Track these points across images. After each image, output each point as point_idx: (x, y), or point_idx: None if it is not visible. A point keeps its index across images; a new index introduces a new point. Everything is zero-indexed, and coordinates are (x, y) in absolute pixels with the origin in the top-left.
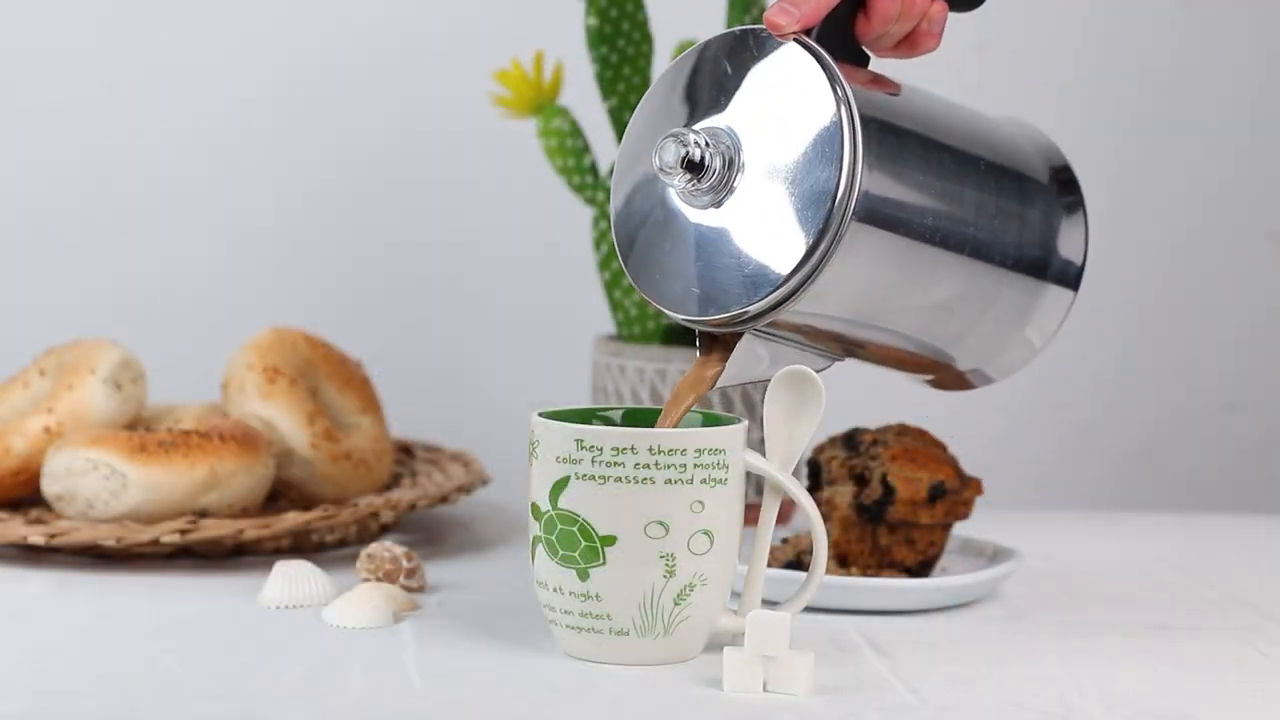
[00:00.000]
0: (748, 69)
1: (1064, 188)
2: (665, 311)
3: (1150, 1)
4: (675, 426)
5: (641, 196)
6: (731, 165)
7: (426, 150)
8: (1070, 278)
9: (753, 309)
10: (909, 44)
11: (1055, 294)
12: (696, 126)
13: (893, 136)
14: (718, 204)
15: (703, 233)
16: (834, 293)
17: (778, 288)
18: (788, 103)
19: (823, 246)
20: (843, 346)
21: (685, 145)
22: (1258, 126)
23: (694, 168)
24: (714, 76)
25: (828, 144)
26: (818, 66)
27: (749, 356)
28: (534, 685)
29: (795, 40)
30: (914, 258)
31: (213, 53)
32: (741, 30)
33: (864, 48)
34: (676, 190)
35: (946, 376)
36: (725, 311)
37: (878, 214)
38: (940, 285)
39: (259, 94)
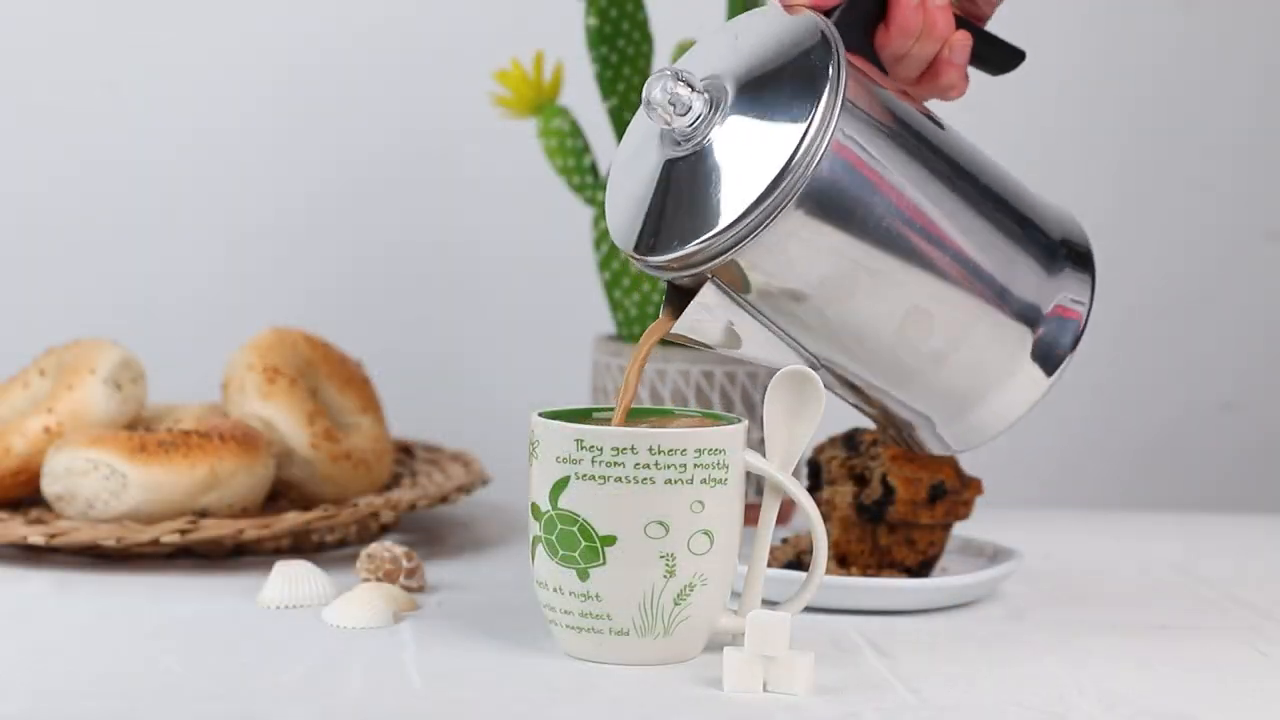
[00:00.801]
0: (760, 35)
1: (1075, 262)
2: (619, 246)
3: (1150, 1)
4: (634, 383)
5: (636, 139)
6: (716, 108)
7: (426, 150)
8: (1051, 360)
9: (686, 249)
10: (931, 74)
11: (1028, 372)
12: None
13: (878, 122)
14: (695, 147)
15: (674, 174)
16: (775, 257)
17: (714, 235)
18: (783, 64)
19: (768, 202)
20: (803, 334)
21: (674, 81)
22: (1258, 126)
23: (677, 106)
24: (728, 39)
25: (803, 105)
26: (821, 36)
27: (704, 309)
28: (534, 685)
29: (811, 13)
30: (867, 247)
31: (212, 52)
32: (766, 6)
33: (884, 68)
34: (660, 126)
35: (894, 420)
36: (666, 252)
37: (835, 186)
38: (887, 293)
39: (259, 94)
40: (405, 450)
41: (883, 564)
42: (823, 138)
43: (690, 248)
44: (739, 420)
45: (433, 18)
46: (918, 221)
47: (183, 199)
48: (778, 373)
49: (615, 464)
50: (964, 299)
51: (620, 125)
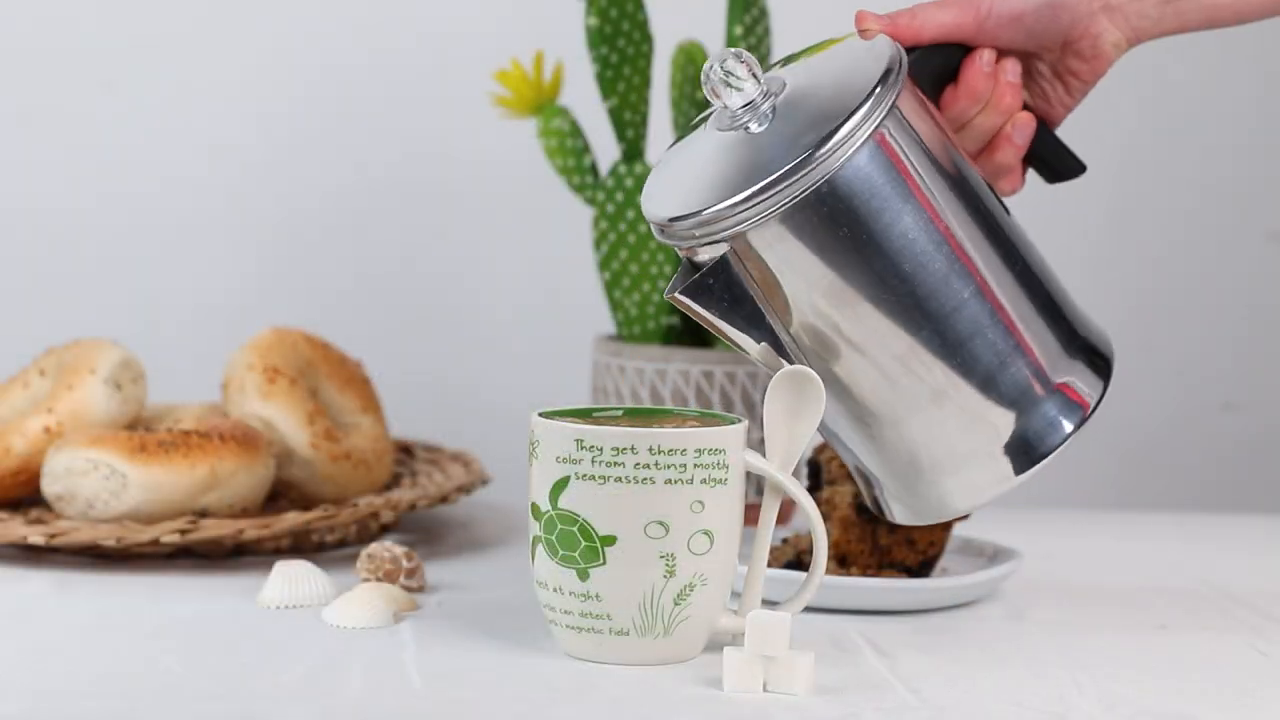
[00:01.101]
0: (832, 53)
1: (1092, 363)
2: (648, 218)
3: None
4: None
5: (691, 134)
6: (769, 96)
7: (426, 150)
8: (1022, 456)
9: (704, 214)
10: (989, 149)
11: (993, 467)
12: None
13: (925, 143)
14: (740, 128)
15: (714, 152)
16: (792, 241)
17: (735, 201)
18: (845, 71)
19: (795, 179)
20: (801, 337)
21: (734, 60)
22: (1258, 126)
23: (732, 84)
24: (804, 57)
25: (852, 98)
26: (889, 55)
27: (713, 280)
28: (534, 685)
29: (884, 37)
30: (889, 253)
31: (212, 53)
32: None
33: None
34: (713, 103)
35: (864, 478)
36: (688, 218)
37: (868, 181)
38: (898, 313)
39: (259, 94)
40: (405, 450)
41: (883, 564)
42: (864, 128)
43: (710, 212)
44: (739, 420)
45: (433, 18)
46: (946, 246)
47: (182, 199)
48: (778, 372)
49: (615, 464)
50: (975, 338)
51: (620, 125)
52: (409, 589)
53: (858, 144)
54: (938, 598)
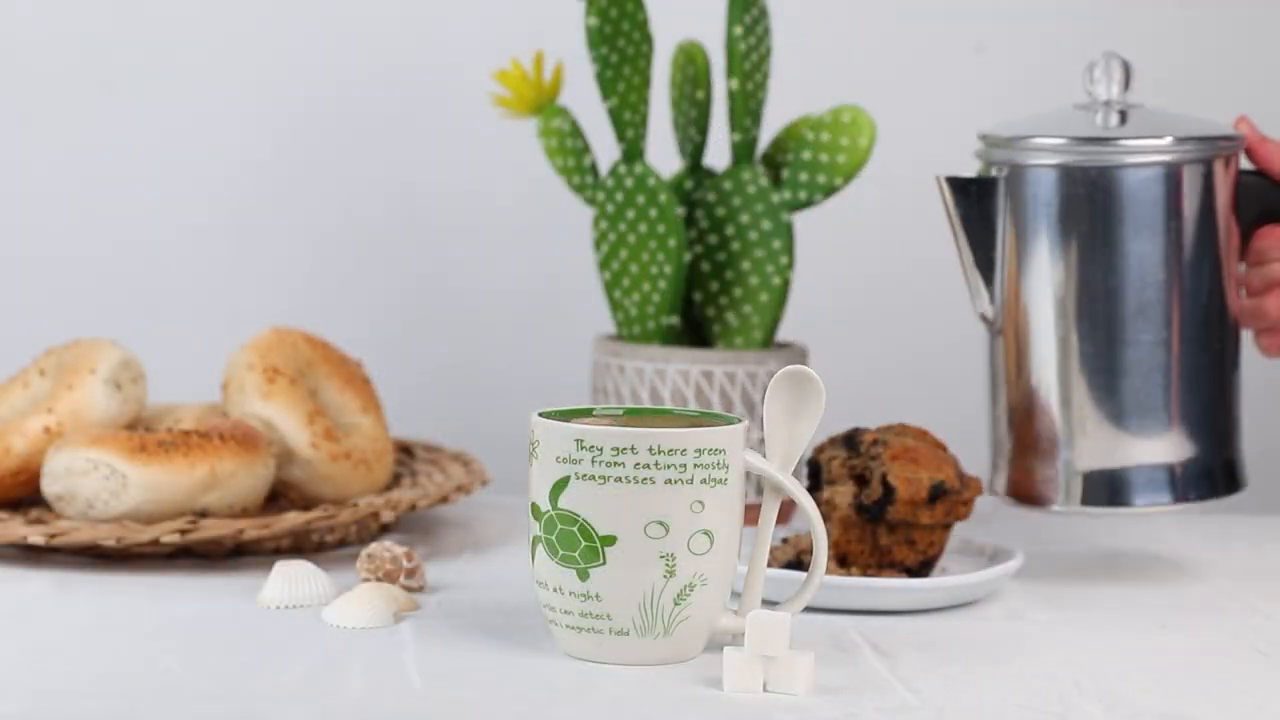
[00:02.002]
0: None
1: (1230, 475)
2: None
3: (1150, 1)
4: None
5: None
6: (1126, 105)
7: (426, 150)
8: (1093, 491)
9: (1005, 135)
10: (1264, 294)
11: (1066, 485)
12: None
13: (1212, 205)
14: (1087, 113)
15: (1049, 115)
16: (1037, 195)
17: (1017, 135)
18: (1196, 119)
19: (1067, 151)
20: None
21: (1116, 62)
22: (1257, 127)
23: (1096, 79)
24: None
25: (1169, 130)
26: (1239, 137)
27: (974, 190)
28: (534, 685)
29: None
30: (1093, 258)
31: (211, 52)
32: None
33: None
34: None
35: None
36: (997, 132)
37: (1123, 194)
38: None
39: (259, 94)
40: (405, 450)
41: (883, 564)
42: (1169, 154)
43: (1011, 138)
44: (739, 420)
45: (433, 18)
46: (1158, 291)
47: (183, 199)
48: (778, 373)
49: (615, 464)
50: (1133, 377)
51: (620, 125)
52: (409, 589)
53: (1156, 160)
54: (938, 598)
